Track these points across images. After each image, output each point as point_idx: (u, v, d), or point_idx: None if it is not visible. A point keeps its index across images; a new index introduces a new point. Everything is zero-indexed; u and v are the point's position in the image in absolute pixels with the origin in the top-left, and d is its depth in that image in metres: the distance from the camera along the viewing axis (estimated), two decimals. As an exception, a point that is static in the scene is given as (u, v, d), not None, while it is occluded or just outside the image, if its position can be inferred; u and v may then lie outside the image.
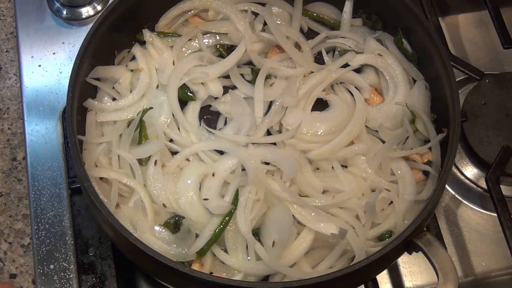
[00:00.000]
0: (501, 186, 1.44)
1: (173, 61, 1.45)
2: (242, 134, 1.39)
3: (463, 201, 1.54)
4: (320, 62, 1.49)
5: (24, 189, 1.59)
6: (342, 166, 1.37)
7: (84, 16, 1.65)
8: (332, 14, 1.56)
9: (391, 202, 1.34)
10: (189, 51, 1.50)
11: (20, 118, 1.66)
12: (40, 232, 1.43)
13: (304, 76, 1.45)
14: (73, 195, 1.48)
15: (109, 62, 1.46)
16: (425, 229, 1.25)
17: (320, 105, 1.45)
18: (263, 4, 1.53)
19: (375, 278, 1.38)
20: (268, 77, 1.44)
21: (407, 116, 1.40)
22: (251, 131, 1.39)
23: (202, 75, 1.43)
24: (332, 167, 1.37)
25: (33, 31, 1.65)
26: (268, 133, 1.41)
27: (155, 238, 1.28)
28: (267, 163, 1.36)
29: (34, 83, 1.59)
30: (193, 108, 1.44)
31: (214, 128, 1.43)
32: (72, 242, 1.43)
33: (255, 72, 1.44)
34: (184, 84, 1.43)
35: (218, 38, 1.51)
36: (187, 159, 1.37)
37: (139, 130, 1.37)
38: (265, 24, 1.50)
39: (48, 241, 1.42)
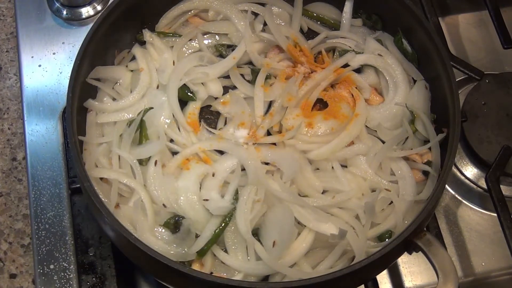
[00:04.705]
0: (501, 186, 1.44)
1: (173, 61, 1.45)
2: (242, 134, 1.39)
3: (463, 201, 1.55)
4: (320, 62, 1.49)
5: (24, 189, 1.59)
6: (342, 166, 1.37)
7: (84, 16, 1.65)
8: (332, 14, 1.56)
9: (391, 202, 1.34)
10: (189, 51, 1.50)
11: (20, 118, 1.66)
12: (40, 232, 1.43)
13: (304, 76, 1.45)
14: (73, 195, 1.48)
15: (109, 62, 1.46)
16: (425, 229, 1.25)
17: (320, 105, 1.45)
18: (263, 4, 1.53)
19: (375, 278, 1.39)
20: (268, 77, 1.44)
21: (406, 116, 1.40)
22: (251, 131, 1.39)
23: (202, 75, 1.43)
24: (332, 167, 1.37)
25: (33, 31, 1.65)
26: (268, 133, 1.41)
27: (155, 238, 1.28)
28: (267, 163, 1.36)
29: (34, 83, 1.59)
30: (193, 108, 1.45)
31: (214, 128, 1.43)
32: (72, 242, 1.43)
33: (255, 72, 1.45)
34: (184, 84, 1.43)
35: (218, 38, 1.51)
36: (187, 159, 1.37)
37: (140, 131, 1.37)
38: (265, 24, 1.50)
39: (48, 241, 1.43)
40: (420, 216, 1.22)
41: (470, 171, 1.56)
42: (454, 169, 1.56)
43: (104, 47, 1.43)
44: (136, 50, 1.48)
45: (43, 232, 1.43)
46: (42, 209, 1.45)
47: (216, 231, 1.28)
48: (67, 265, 1.41)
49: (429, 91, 1.43)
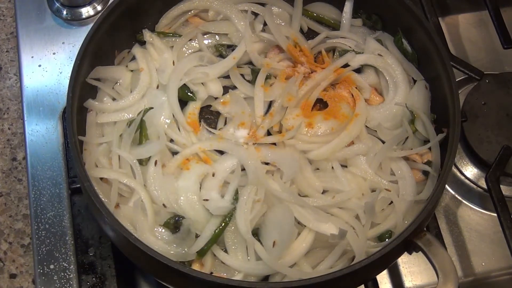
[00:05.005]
0: (501, 186, 1.44)
1: (173, 61, 1.45)
2: (242, 134, 1.39)
3: (463, 201, 1.55)
4: (320, 62, 1.49)
5: (24, 189, 1.59)
6: (342, 166, 1.37)
7: (84, 16, 1.66)
8: (332, 14, 1.56)
9: (391, 202, 1.34)
10: (189, 51, 1.50)
11: (20, 118, 1.66)
12: (40, 232, 1.43)
13: (304, 76, 1.45)
14: (73, 195, 1.48)
15: (109, 62, 1.46)
16: (425, 229, 1.25)
17: (320, 105, 1.45)
18: (263, 4, 1.53)
19: (375, 278, 1.39)
20: (268, 77, 1.44)
21: (406, 116, 1.40)
22: (251, 131, 1.39)
23: (202, 75, 1.43)
24: (332, 167, 1.37)
25: (33, 31, 1.65)
26: (268, 133, 1.41)
27: (155, 238, 1.28)
28: (267, 163, 1.36)
29: (34, 83, 1.59)
30: (193, 108, 1.45)
31: (214, 128, 1.43)
32: (72, 242, 1.43)
33: (255, 72, 1.45)
34: (184, 84, 1.43)
35: (218, 38, 1.51)
36: (187, 159, 1.37)
37: (140, 131, 1.37)
38: (265, 24, 1.50)
39: (48, 241, 1.43)
40: (420, 216, 1.22)
41: (470, 171, 1.56)
42: (454, 169, 1.56)
43: (104, 47, 1.43)
44: (136, 50, 1.48)
45: (43, 232, 1.43)
46: (42, 209, 1.45)
47: (216, 231, 1.28)
48: (67, 265, 1.41)
49: (429, 91, 1.43)
